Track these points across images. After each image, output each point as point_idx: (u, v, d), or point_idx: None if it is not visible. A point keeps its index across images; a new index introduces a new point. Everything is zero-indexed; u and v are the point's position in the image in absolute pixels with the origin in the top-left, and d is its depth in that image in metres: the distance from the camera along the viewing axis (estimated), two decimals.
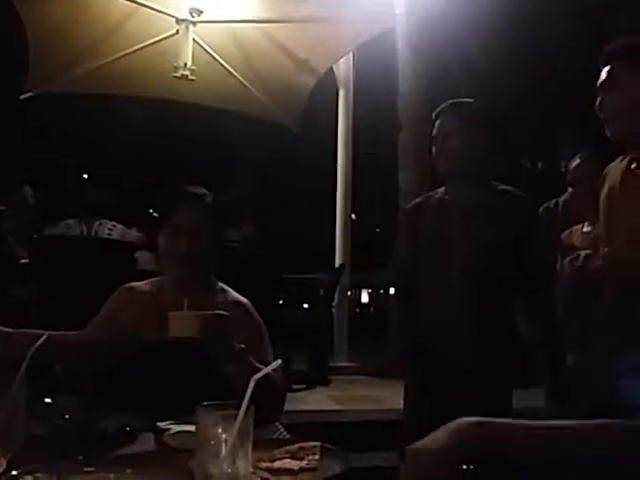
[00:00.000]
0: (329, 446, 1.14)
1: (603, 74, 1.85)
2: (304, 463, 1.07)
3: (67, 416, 1.35)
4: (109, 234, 4.02)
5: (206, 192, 1.84)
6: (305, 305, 5.33)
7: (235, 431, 0.87)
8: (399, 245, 2.43)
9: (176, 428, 1.30)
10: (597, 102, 1.86)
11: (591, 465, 0.83)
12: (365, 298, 25.59)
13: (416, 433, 0.90)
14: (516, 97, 9.17)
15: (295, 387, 4.20)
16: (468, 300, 2.18)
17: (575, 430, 0.85)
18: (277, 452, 1.10)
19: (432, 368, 2.27)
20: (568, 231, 2.52)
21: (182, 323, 1.52)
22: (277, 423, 1.56)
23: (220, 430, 0.88)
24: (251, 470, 0.93)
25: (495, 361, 2.18)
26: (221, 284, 1.87)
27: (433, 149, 2.26)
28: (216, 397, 1.44)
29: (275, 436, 1.53)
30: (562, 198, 3.01)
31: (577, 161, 2.44)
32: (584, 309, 2.19)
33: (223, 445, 0.88)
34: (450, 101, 2.29)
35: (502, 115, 9.59)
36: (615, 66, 1.83)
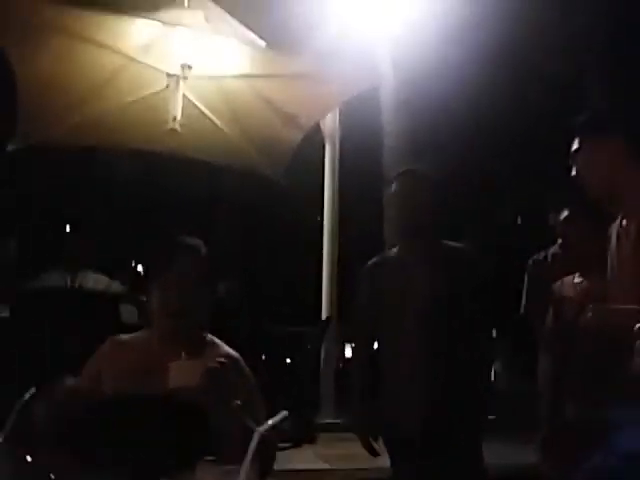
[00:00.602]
0: None
1: (575, 144, 1.93)
2: None
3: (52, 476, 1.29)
4: (93, 286, 3.96)
5: (200, 243, 1.82)
6: (290, 360, 5.24)
7: None
8: (359, 304, 2.56)
9: None
10: (573, 170, 1.94)
11: None
12: (349, 353, 25.33)
13: None
14: (502, 150, 9.36)
15: (281, 445, 4.08)
16: (429, 353, 2.31)
17: None
18: None
19: (398, 429, 2.35)
20: (559, 282, 2.52)
21: (182, 372, 1.48)
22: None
23: None
24: None
25: (461, 410, 2.27)
26: (211, 336, 1.83)
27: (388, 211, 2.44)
28: (205, 453, 1.40)
29: None
30: (551, 250, 3.04)
31: (566, 213, 2.47)
32: (575, 359, 2.20)
33: None
34: (404, 169, 2.52)
35: (485, 171, 9.81)
36: (584, 138, 1.91)
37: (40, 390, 1.43)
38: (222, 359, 1.53)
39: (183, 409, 1.50)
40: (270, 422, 0.95)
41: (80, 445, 1.55)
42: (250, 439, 1.51)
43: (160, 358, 1.63)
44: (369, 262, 2.56)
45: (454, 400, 2.29)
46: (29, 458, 1.40)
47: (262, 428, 0.93)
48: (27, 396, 1.33)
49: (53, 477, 1.28)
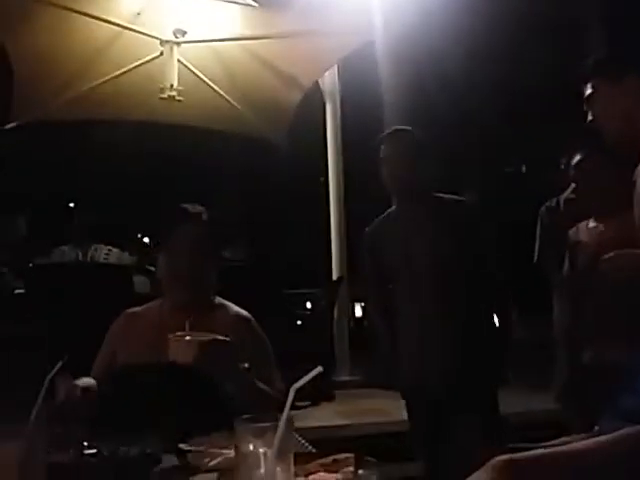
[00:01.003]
0: (363, 457, 1.11)
1: (588, 88, 1.91)
2: (339, 476, 1.04)
3: (86, 444, 1.31)
4: (105, 259, 3.98)
5: (202, 209, 1.82)
6: (303, 320, 5.28)
7: (276, 444, 0.83)
8: (366, 271, 2.63)
9: (199, 448, 1.26)
10: (588, 116, 1.92)
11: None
12: (359, 312, 25.48)
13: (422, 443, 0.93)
14: (505, 99, 9.26)
15: (300, 404, 4.15)
16: (439, 307, 2.36)
17: (599, 448, 0.87)
18: (311, 466, 1.07)
19: (416, 381, 2.42)
20: (574, 228, 2.50)
21: (181, 349, 1.51)
22: (297, 436, 1.52)
23: (259, 444, 0.85)
24: None
25: (474, 364, 2.32)
26: (220, 299, 1.85)
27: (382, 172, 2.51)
28: (222, 417, 1.42)
29: (297, 450, 1.50)
30: (563, 196, 3.01)
31: (579, 157, 2.44)
32: (595, 307, 2.19)
33: (262, 459, 0.85)
34: (391, 129, 2.59)
35: (487, 120, 9.70)
36: (599, 81, 1.88)
37: (63, 367, 1.45)
38: (219, 336, 1.53)
39: (189, 378, 1.53)
40: (305, 378, 0.96)
41: (101, 417, 1.59)
42: (264, 399, 1.54)
43: (172, 325, 1.66)
44: (368, 227, 2.63)
45: (469, 352, 2.33)
46: (59, 430, 1.43)
47: (297, 384, 0.93)
48: (54, 371, 1.35)
49: (86, 444, 1.31)
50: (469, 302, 2.37)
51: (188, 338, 1.53)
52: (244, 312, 1.83)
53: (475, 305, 2.38)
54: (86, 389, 1.54)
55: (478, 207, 2.56)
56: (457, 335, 2.35)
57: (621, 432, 0.89)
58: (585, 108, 1.93)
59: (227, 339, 1.52)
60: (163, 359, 1.54)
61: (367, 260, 2.60)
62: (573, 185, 2.56)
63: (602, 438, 0.89)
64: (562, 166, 2.86)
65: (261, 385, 1.60)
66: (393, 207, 2.59)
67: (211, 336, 1.52)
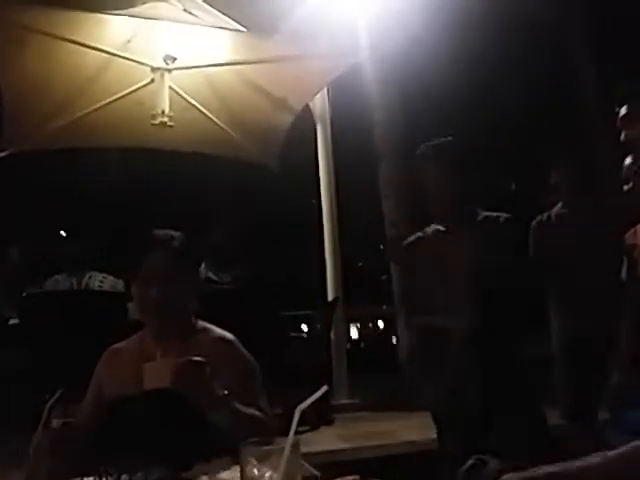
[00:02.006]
0: (368, 479, 1.09)
1: (623, 110, 2.08)
2: None
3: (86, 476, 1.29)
4: (100, 286, 3.95)
5: (174, 235, 1.77)
6: (301, 343, 5.24)
7: (282, 467, 0.81)
8: (402, 276, 2.54)
9: (203, 478, 1.24)
10: (622, 135, 2.09)
11: None
12: (354, 333, 25.41)
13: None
14: (493, 116, 9.37)
15: (299, 429, 4.09)
16: (479, 320, 2.26)
17: (607, 464, 0.87)
18: None
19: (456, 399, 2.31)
20: (632, 230, 2.43)
21: (155, 373, 1.48)
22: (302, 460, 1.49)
23: (265, 468, 0.83)
24: None
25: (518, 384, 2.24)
26: (203, 323, 1.81)
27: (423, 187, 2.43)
28: (219, 442, 1.40)
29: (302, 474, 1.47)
30: (554, 210, 3.02)
31: (630, 159, 2.43)
32: None
33: None
34: (429, 144, 2.45)
35: (475, 138, 9.79)
36: (631, 103, 2.06)
37: (60, 397, 1.43)
38: (195, 357, 1.50)
39: (171, 406, 1.50)
40: (311, 398, 0.94)
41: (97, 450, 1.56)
42: (250, 422, 1.51)
43: (153, 355, 1.66)
44: (408, 239, 2.55)
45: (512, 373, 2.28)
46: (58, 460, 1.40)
47: (302, 405, 0.92)
48: (53, 399, 1.33)
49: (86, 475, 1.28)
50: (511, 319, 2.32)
51: (162, 362, 1.51)
52: (227, 334, 1.79)
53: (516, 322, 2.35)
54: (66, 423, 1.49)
55: (516, 223, 2.50)
56: (500, 346, 2.30)
57: (628, 446, 0.88)
58: (619, 127, 2.08)
59: (202, 359, 1.49)
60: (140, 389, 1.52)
61: (406, 276, 2.57)
62: (629, 185, 2.51)
63: (609, 453, 0.88)
64: (552, 179, 2.88)
65: (244, 409, 1.57)
66: (434, 225, 2.49)
67: (185, 358, 1.50)
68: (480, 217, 2.42)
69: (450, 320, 2.32)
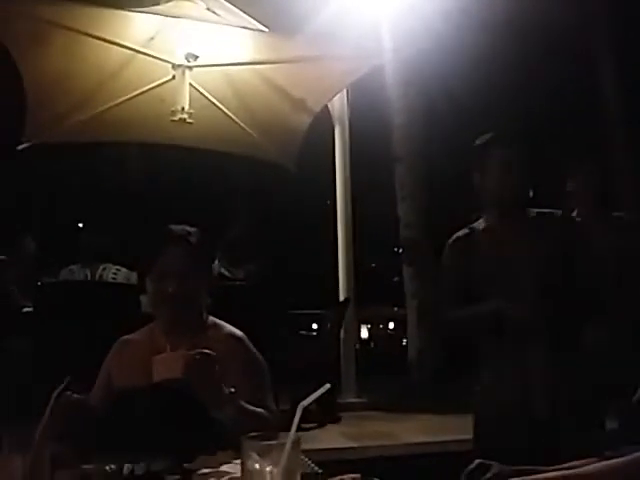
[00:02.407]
0: (369, 478, 1.11)
1: None
2: None
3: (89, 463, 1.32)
4: (114, 278, 4.00)
5: (190, 231, 1.80)
6: (311, 341, 5.27)
7: (283, 462, 0.84)
8: (447, 277, 2.40)
9: (206, 470, 1.27)
10: None
11: None
12: (364, 333, 25.35)
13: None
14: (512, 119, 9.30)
15: (305, 426, 4.12)
16: (537, 323, 2.14)
17: (610, 471, 0.87)
18: None
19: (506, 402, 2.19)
20: None
21: (165, 365, 1.50)
22: (304, 457, 1.51)
23: (266, 462, 0.85)
24: None
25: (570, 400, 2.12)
26: (213, 319, 1.84)
27: (480, 178, 2.29)
28: (224, 436, 1.42)
29: (304, 470, 1.50)
30: (478, 225, 2.82)
31: None
32: None
33: (268, 478, 0.85)
34: (495, 133, 2.34)
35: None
36: None
37: (68, 385, 1.46)
38: (206, 350, 1.52)
39: (178, 399, 1.53)
40: (313, 395, 0.96)
41: (103, 439, 1.60)
42: (255, 421, 1.53)
43: (163, 348, 1.68)
44: (455, 236, 2.41)
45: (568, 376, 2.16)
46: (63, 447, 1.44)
47: (305, 402, 0.94)
48: (61, 387, 1.37)
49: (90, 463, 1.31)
50: (570, 316, 2.18)
51: (172, 354, 1.54)
52: (237, 331, 1.81)
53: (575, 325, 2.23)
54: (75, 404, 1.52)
55: (570, 219, 2.40)
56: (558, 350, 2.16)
57: (633, 455, 0.89)
58: None
59: (212, 353, 1.51)
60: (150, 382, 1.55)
61: (449, 276, 2.39)
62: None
63: (613, 461, 0.89)
64: (568, 187, 2.84)
65: (250, 407, 1.59)
66: (484, 221, 2.37)
67: (195, 351, 1.52)
68: (533, 213, 2.31)
69: (513, 310, 2.16)
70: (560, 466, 1.02)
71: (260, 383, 1.74)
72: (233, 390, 1.52)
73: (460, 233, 2.40)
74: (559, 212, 2.34)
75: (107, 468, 1.27)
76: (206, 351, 1.51)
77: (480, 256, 2.29)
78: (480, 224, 2.38)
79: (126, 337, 1.87)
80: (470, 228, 2.39)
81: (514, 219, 2.28)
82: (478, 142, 2.35)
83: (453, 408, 4.39)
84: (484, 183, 2.29)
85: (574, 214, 3.09)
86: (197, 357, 1.50)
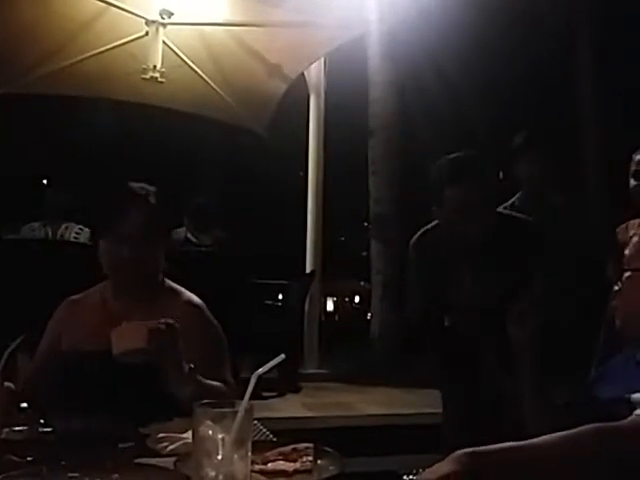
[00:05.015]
0: (323, 447, 1.10)
1: None
2: (298, 465, 1.04)
3: (42, 421, 1.29)
4: (76, 238, 3.92)
5: (150, 190, 1.72)
6: (275, 311, 5.26)
7: (235, 430, 0.82)
8: (415, 276, 2.44)
9: (160, 435, 1.25)
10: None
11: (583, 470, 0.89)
12: (330, 306, 25.56)
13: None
14: (489, 100, 9.30)
15: (265, 395, 4.13)
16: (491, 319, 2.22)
17: (562, 442, 0.91)
18: (269, 454, 1.06)
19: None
20: (624, 225, 2.32)
21: (127, 336, 1.44)
22: (259, 425, 1.50)
23: (218, 429, 0.84)
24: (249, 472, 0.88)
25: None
26: (171, 283, 1.77)
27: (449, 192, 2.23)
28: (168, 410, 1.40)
29: (258, 438, 1.49)
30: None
31: None
32: None
33: (220, 445, 0.83)
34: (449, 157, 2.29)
35: (470, 121, 9.75)
36: None
37: (22, 342, 1.42)
38: (169, 320, 1.46)
39: (133, 368, 1.48)
40: (268, 365, 0.94)
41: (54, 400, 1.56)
42: (212, 395, 1.51)
43: (116, 309, 1.66)
44: (415, 236, 2.42)
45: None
46: (24, 405, 1.40)
47: (260, 370, 0.92)
48: (13, 345, 1.33)
49: (42, 422, 1.28)
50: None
51: (134, 323, 1.49)
52: (195, 298, 1.75)
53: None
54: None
55: (531, 223, 2.35)
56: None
57: (585, 427, 0.91)
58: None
59: (174, 323, 1.46)
60: (108, 345, 1.47)
61: (414, 272, 2.41)
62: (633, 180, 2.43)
63: (567, 432, 0.91)
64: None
65: (208, 382, 1.56)
66: (434, 222, 2.36)
67: (158, 321, 1.46)
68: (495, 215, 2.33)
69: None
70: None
71: (217, 352, 1.69)
72: (192, 366, 1.48)
73: (421, 231, 2.42)
74: (520, 216, 2.36)
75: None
76: (170, 321, 1.47)
77: (435, 254, 2.32)
78: (434, 225, 2.38)
79: (74, 297, 1.80)
80: (428, 228, 2.41)
81: (469, 221, 2.24)
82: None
83: (412, 383, 4.51)
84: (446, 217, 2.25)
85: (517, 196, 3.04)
86: (162, 327, 1.44)
